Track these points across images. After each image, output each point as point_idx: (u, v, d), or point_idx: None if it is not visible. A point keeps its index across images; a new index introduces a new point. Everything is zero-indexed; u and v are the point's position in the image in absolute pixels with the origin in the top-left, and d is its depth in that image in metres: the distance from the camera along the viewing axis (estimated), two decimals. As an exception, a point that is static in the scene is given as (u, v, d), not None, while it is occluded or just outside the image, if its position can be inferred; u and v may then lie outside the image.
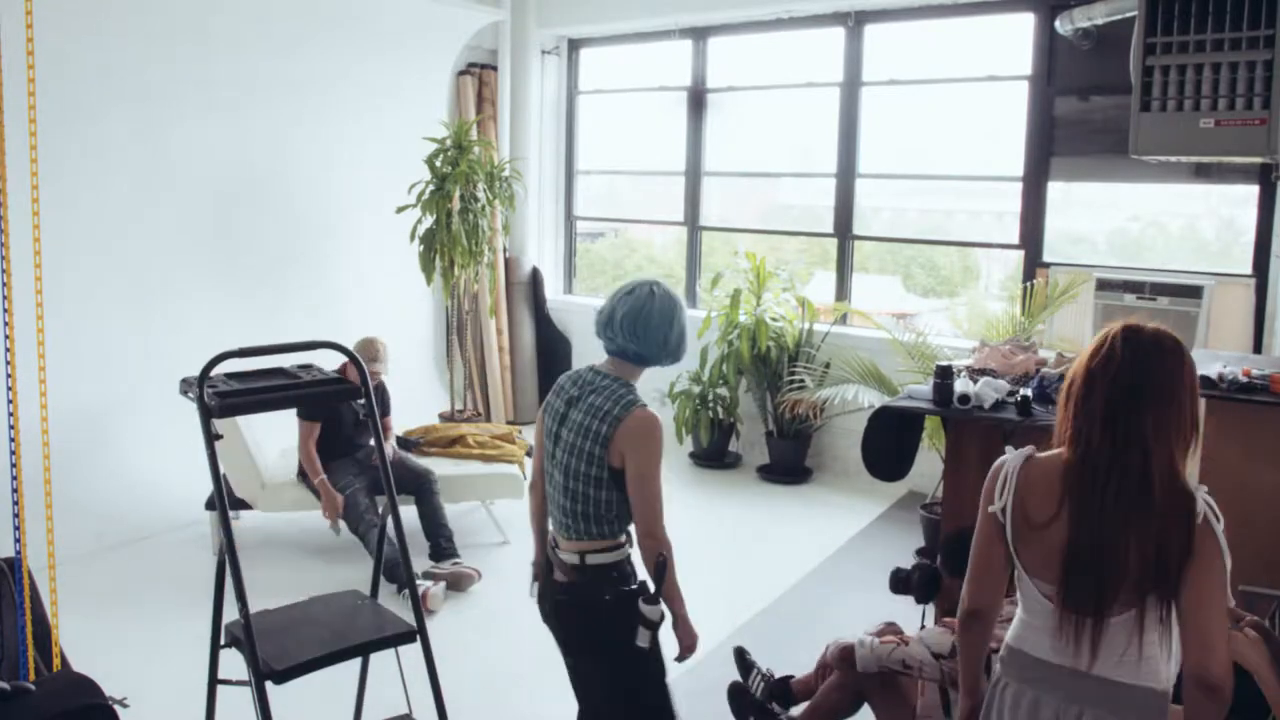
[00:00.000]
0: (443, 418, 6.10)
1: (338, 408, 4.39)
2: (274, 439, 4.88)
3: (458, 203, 5.77)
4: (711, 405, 5.97)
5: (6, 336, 2.29)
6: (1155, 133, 4.30)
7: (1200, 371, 3.50)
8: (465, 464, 4.84)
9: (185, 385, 2.41)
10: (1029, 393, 3.32)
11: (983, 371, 3.74)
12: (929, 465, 4.90)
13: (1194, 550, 1.63)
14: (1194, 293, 4.78)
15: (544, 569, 2.37)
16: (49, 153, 3.74)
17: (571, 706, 3.35)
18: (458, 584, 4.27)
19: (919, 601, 3.07)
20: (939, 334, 5.57)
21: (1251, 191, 4.86)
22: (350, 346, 2.59)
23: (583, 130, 7.26)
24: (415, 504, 4.48)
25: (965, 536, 1.95)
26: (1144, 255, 5.41)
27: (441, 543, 4.44)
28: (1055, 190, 5.36)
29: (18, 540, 2.34)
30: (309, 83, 5.61)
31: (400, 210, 5.75)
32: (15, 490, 2.36)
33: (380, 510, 4.28)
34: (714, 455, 6.09)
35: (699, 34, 6.49)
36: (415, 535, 4.68)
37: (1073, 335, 5.09)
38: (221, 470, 2.45)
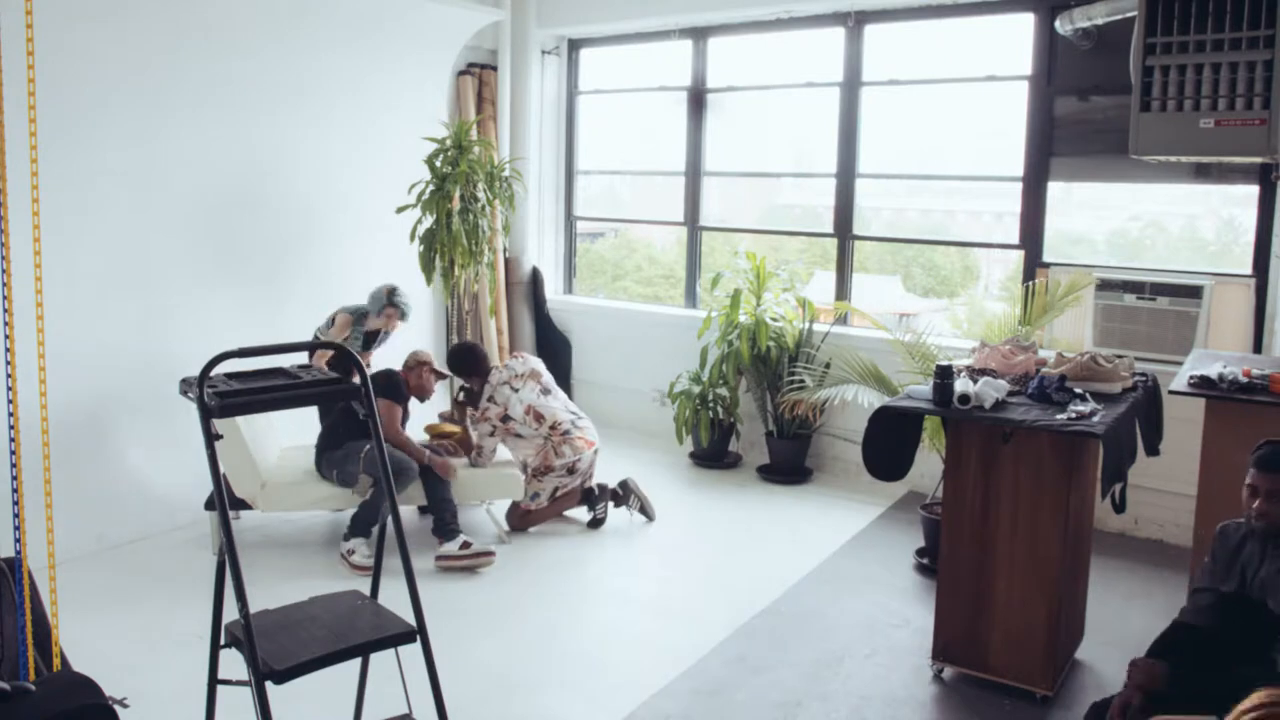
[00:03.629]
0: (443, 418, 6.10)
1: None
2: (274, 439, 4.88)
3: (458, 203, 5.76)
4: (711, 405, 5.98)
5: (6, 336, 2.29)
6: (1155, 133, 4.30)
7: (1200, 371, 3.53)
8: (465, 464, 4.85)
9: (185, 385, 2.41)
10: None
11: (983, 371, 3.74)
12: (929, 465, 4.90)
13: None
14: (1194, 293, 4.78)
15: None
16: (49, 153, 3.74)
17: (569, 706, 3.36)
18: (474, 569, 4.43)
19: None
20: (939, 334, 5.57)
21: (1251, 191, 4.86)
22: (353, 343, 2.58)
23: (583, 130, 7.26)
24: (421, 479, 4.53)
25: None
26: (1144, 255, 5.42)
27: (447, 519, 4.49)
28: (1055, 190, 5.36)
29: (18, 540, 2.34)
30: (308, 82, 5.61)
31: (400, 210, 5.75)
32: (15, 490, 2.36)
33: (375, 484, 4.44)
34: (714, 455, 6.09)
35: (699, 34, 6.49)
36: (416, 533, 4.69)
37: (1072, 335, 5.09)
38: (221, 470, 2.45)
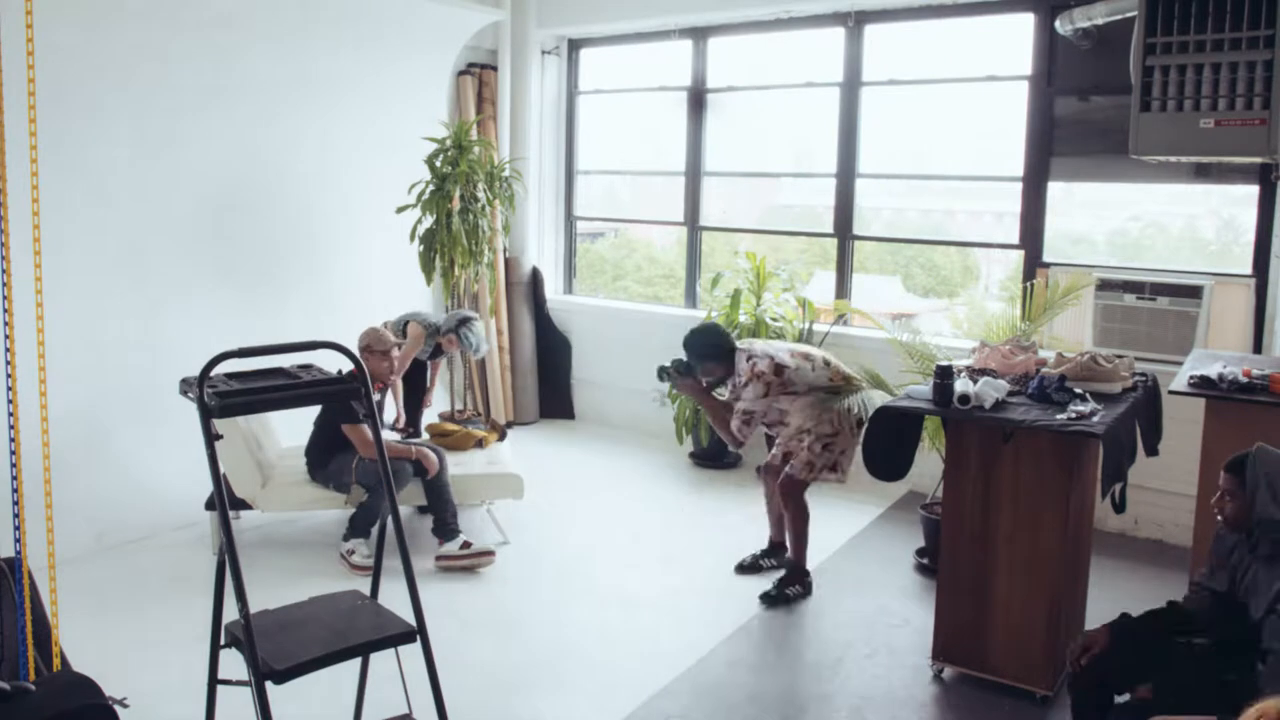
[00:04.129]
0: (443, 417, 6.10)
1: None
2: (274, 439, 4.88)
3: (458, 203, 5.77)
4: (711, 405, 5.97)
5: (6, 336, 2.29)
6: (1155, 133, 4.30)
7: (1200, 371, 3.53)
8: (466, 464, 4.85)
9: (185, 385, 2.41)
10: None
11: (983, 372, 3.74)
12: (929, 465, 4.89)
13: None
14: (1194, 293, 4.78)
15: None
16: (49, 152, 3.74)
17: (569, 706, 3.36)
18: (474, 569, 4.44)
19: None
20: (939, 334, 5.56)
21: (1251, 191, 4.86)
22: (350, 346, 2.58)
23: (583, 130, 7.26)
24: (420, 479, 4.52)
25: None
26: (1144, 255, 5.42)
27: (447, 519, 4.49)
28: (1055, 190, 5.36)
29: (18, 540, 2.34)
30: (309, 82, 5.61)
31: (400, 210, 5.75)
32: (15, 490, 2.36)
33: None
34: (714, 455, 6.08)
35: (699, 34, 6.49)
36: (416, 533, 4.69)
37: (1072, 335, 5.09)
38: (221, 470, 2.45)
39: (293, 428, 4.87)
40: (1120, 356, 3.70)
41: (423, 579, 4.21)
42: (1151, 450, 3.72)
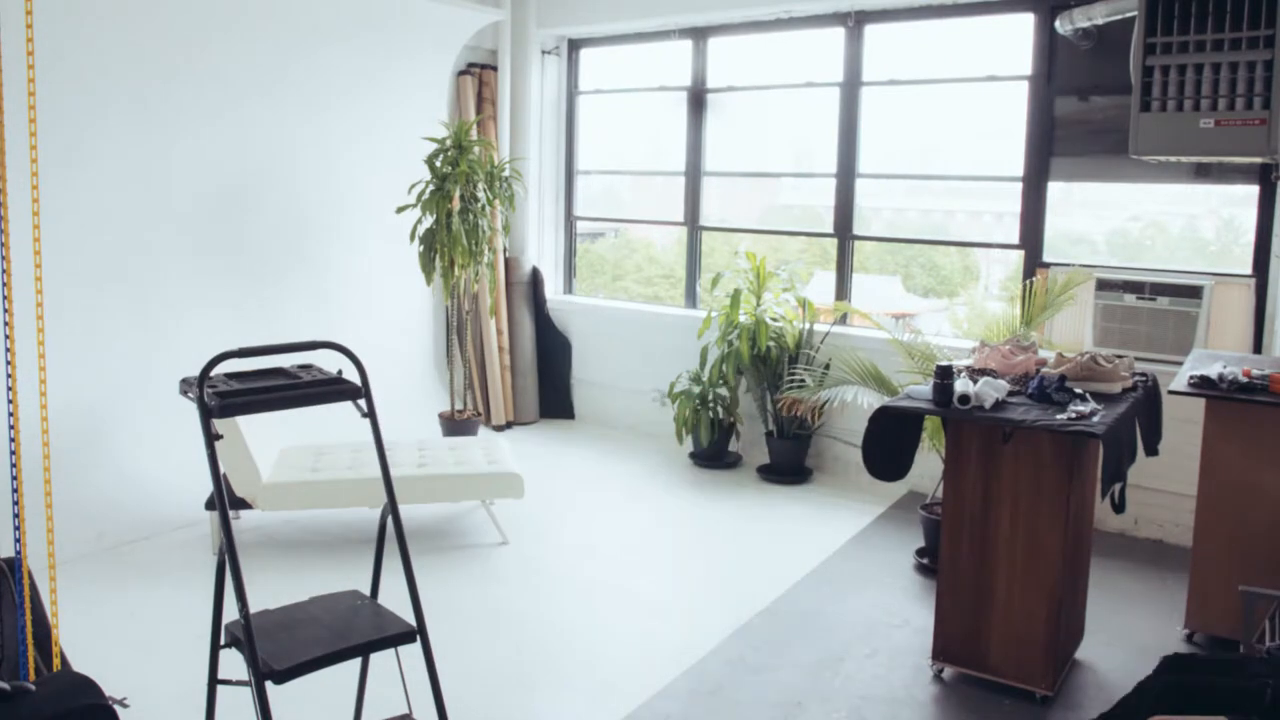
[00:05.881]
0: (443, 418, 6.10)
1: None
2: (274, 439, 4.88)
3: (458, 203, 5.77)
4: (711, 405, 5.97)
5: (6, 336, 2.29)
6: (1155, 133, 4.30)
7: (1200, 371, 3.53)
8: (467, 464, 4.84)
9: (185, 385, 2.42)
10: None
11: (983, 371, 3.74)
12: (929, 465, 4.90)
13: None
14: (1194, 293, 4.78)
15: None
16: (49, 152, 3.74)
17: (569, 706, 3.36)
18: None
19: None
20: (939, 334, 5.56)
21: (1251, 191, 4.86)
22: (349, 346, 2.58)
23: (583, 130, 7.26)
24: None
25: None
26: (1144, 255, 5.42)
27: None
28: (1055, 190, 5.36)
29: (18, 540, 2.34)
30: (309, 82, 5.62)
31: (400, 210, 5.75)
32: (15, 490, 2.36)
33: None
34: (714, 455, 6.09)
35: (699, 34, 6.49)
36: (416, 533, 4.69)
37: (1072, 335, 5.09)
38: (221, 470, 2.45)
39: (293, 428, 4.88)
40: (1120, 356, 3.70)
41: (423, 579, 4.23)
42: (1151, 450, 3.72)
